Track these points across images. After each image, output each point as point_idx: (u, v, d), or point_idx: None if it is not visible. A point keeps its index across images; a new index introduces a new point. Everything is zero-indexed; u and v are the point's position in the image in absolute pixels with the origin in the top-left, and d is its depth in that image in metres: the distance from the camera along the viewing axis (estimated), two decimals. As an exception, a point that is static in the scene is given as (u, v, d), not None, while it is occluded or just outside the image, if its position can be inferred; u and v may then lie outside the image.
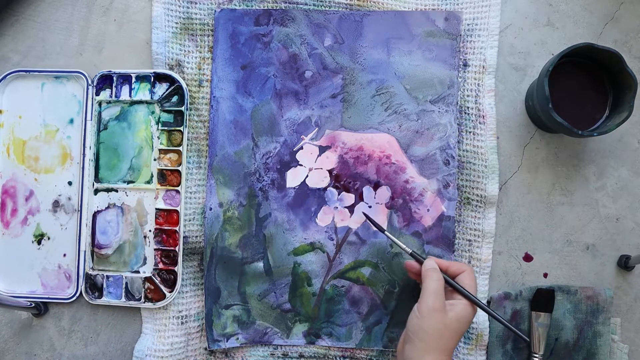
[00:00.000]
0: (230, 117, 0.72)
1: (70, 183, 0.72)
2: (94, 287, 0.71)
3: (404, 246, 0.66)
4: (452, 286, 0.63)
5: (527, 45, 0.74)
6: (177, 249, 0.70)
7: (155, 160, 0.72)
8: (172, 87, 0.72)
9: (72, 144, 0.73)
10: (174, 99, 0.73)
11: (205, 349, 0.71)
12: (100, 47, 0.75)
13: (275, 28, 0.73)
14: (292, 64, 0.73)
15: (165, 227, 0.71)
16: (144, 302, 0.70)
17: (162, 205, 0.71)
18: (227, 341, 0.70)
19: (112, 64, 0.74)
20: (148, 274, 0.71)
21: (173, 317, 0.70)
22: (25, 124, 0.73)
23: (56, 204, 0.72)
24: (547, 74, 0.63)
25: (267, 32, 0.73)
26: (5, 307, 0.67)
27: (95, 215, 0.72)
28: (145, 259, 0.71)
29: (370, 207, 0.71)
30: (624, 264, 0.70)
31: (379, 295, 0.71)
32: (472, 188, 0.71)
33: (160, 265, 0.71)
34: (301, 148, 0.72)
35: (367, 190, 0.71)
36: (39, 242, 0.72)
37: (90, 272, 0.71)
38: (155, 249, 0.71)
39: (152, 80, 0.72)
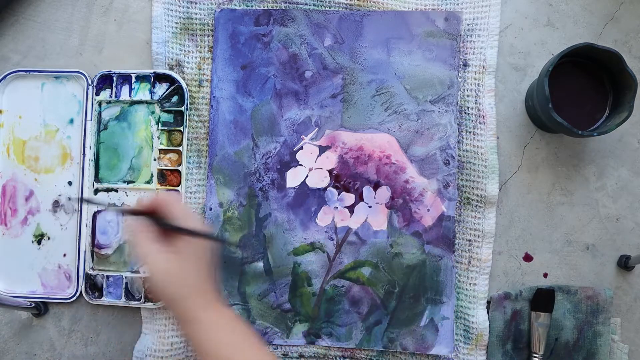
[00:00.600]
0: (230, 117, 0.72)
1: (70, 183, 0.72)
2: (94, 287, 0.71)
3: (103, 202, 0.64)
4: (165, 227, 0.56)
5: (527, 45, 0.74)
6: (177, 249, 0.70)
7: (155, 160, 0.72)
8: (172, 87, 0.72)
9: (72, 144, 0.73)
10: (174, 99, 0.73)
11: (205, 349, 0.71)
12: (100, 47, 0.75)
13: (275, 28, 0.73)
14: (292, 64, 0.73)
15: (165, 227, 0.71)
16: (144, 302, 0.70)
17: (162, 205, 0.71)
18: (227, 341, 0.70)
19: (112, 64, 0.74)
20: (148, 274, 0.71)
21: (173, 317, 0.70)
22: (25, 124, 0.73)
23: (56, 204, 0.72)
24: (547, 74, 0.63)
25: (267, 32, 0.73)
26: (5, 307, 0.67)
27: (95, 215, 0.72)
28: (145, 259, 0.71)
29: (370, 207, 0.71)
30: (624, 264, 0.70)
31: (379, 295, 0.71)
32: (472, 188, 0.71)
33: (160, 265, 0.70)
34: (301, 148, 0.72)
35: (367, 190, 0.71)
36: (39, 242, 0.72)
37: (90, 272, 0.71)
38: (155, 249, 0.71)
39: (152, 80, 0.72)
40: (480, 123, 0.71)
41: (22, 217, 0.72)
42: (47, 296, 0.71)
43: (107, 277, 0.71)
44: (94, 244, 0.72)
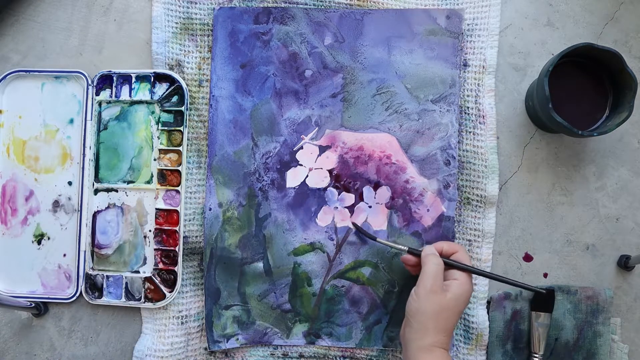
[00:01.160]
0: (229, 116, 0.72)
1: (70, 183, 0.72)
2: (94, 287, 0.71)
3: (400, 247, 0.66)
4: (451, 265, 0.63)
5: (527, 45, 0.74)
6: (177, 249, 0.70)
7: (155, 160, 0.72)
8: (172, 87, 0.72)
9: (72, 144, 0.73)
10: (174, 99, 0.73)
11: (205, 349, 0.71)
12: (100, 47, 0.74)
13: (274, 26, 0.73)
14: (292, 62, 0.73)
15: (165, 227, 0.71)
16: (144, 302, 0.70)
17: (162, 205, 0.71)
18: (227, 342, 0.70)
19: (112, 64, 0.74)
20: (148, 274, 0.71)
21: (173, 317, 0.70)
22: (25, 124, 0.73)
23: (56, 204, 0.72)
24: (547, 74, 0.63)
25: (267, 30, 0.73)
26: (5, 307, 0.67)
27: (95, 215, 0.72)
28: (145, 259, 0.71)
29: (370, 207, 0.71)
30: (624, 264, 0.70)
31: (379, 295, 0.71)
32: (472, 188, 0.71)
33: (160, 265, 0.71)
34: (301, 148, 0.72)
35: (367, 190, 0.71)
36: (39, 242, 0.72)
37: (90, 272, 0.71)
38: (155, 249, 0.71)
39: (152, 80, 0.72)
40: (480, 123, 0.71)
41: (22, 217, 0.72)
42: (47, 296, 0.71)
43: (107, 277, 0.71)
44: (94, 244, 0.72)
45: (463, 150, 0.71)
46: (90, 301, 0.71)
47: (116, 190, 0.72)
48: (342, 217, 0.71)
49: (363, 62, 0.73)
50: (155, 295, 0.70)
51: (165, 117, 0.72)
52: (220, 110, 0.72)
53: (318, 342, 0.71)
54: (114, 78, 0.72)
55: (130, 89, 0.72)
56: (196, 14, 0.73)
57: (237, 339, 0.71)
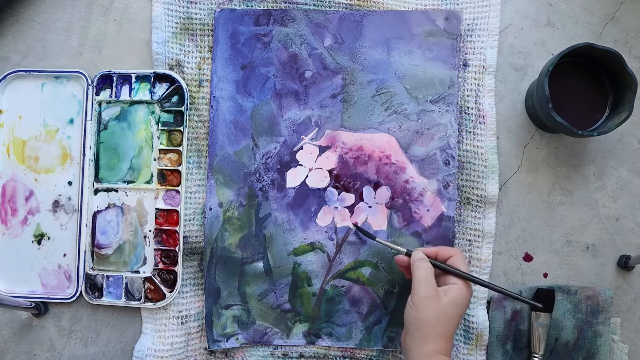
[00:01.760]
0: (230, 117, 0.72)
1: (70, 183, 0.72)
2: (94, 287, 0.71)
3: (398, 247, 0.66)
4: (444, 269, 0.63)
5: (527, 45, 0.74)
6: (177, 249, 0.70)
7: (155, 160, 0.72)
8: (172, 87, 0.72)
9: (72, 144, 0.73)
10: (174, 99, 0.73)
11: (205, 349, 0.71)
12: (100, 47, 0.75)
13: (275, 28, 0.73)
14: (292, 64, 0.73)
15: (165, 227, 0.71)
16: (144, 302, 0.70)
17: (162, 205, 0.71)
18: (227, 341, 0.70)
19: (112, 64, 0.74)
20: (148, 274, 0.71)
21: (173, 317, 0.70)
22: (25, 124, 0.73)
23: (56, 204, 0.72)
24: (547, 74, 0.63)
25: (267, 32, 0.73)
26: (5, 307, 0.67)
27: (95, 215, 0.72)
28: (145, 259, 0.71)
29: (370, 207, 0.71)
30: (624, 264, 0.70)
31: (379, 295, 0.71)
32: (472, 188, 0.71)
33: (160, 265, 0.71)
34: (301, 148, 0.72)
35: (367, 190, 0.71)
36: (39, 242, 0.72)
37: (90, 272, 0.71)
38: (155, 249, 0.71)
39: (152, 80, 0.72)
40: (480, 123, 0.71)
41: (22, 217, 0.72)
42: (47, 296, 0.71)
43: (107, 277, 0.71)
44: (94, 244, 0.72)
45: (463, 150, 0.71)
46: (90, 301, 0.71)
47: (116, 190, 0.72)
48: (342, 217, 0.71)
49: (362, 63, 0.73)
50: (155, 295, 0.70)
51: (165, 117, 0.72)
52: (220, 111, 0.72)
53: (318, 342, 0.71)
54: (114, 78, 0.72)
55: (130, 89, 0.73)
56: (196, 14, 0.73)
57: (237, 339, 0.71)
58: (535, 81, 0.69)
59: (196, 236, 0.72)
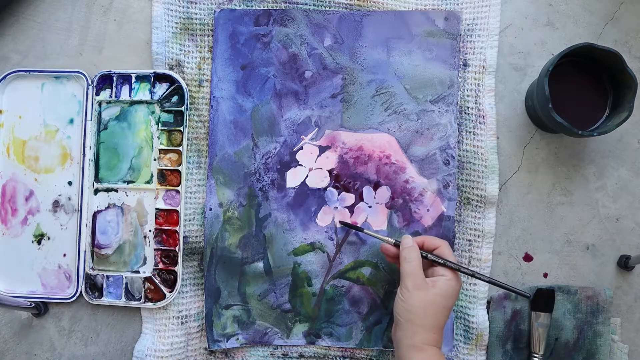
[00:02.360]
0: (230, 117, 0.72)
1: (70, 183, 0.72)
2: (94, 287, 0.71)
3: (387, 238, 0.66)
4: (433, 261, 0.63)
5: (527, 45, 0.74)
6: (177, 249, 0.70)
7: (155, 160, 0.72)
8: (172, 87, 0.72)
9: (72, 144, 0.73)
10: (174, 99, 0.73)
11: (205, 349, 0.71)
12: (100, 47, 0.75)
13: (275, 28, 0.73)
14: (292, 64, 0.73)
15: (165, 227, 0.71)
16: (144, 302, 0.70)
17: (162, 205, 0.71)
18: (227, 341, 0.70)
19: (112, 64, 0.74)
20: (148, 274, 0.71)
21: (173, 317, 0.70)
22: (25, 124, 0.73)
23: (56, 204, 0.72)
24: (547, 74, 0.63)
25: (267, 32, 0.73)
26: (5, 307, 0.67)
27: (95, 215, 0.72)
28: (145, 259, 0.71)
29: (370, 207, 0.71)
30: (624, 264, 0.70)
31: (379, 295, 0.71)
32: (472, 188, 0.71)
33: (160, 265, 0.71)
34: (301, 148, 0.72)
35: (367, 190, 0.71)
36: (39, 242, 0.72)
37: (90, 272, 0.71)
38: (155, 249, 0.71)
39: (152, 80, 0.72)
40: (480, 123, 0.71)
41: (22, 217, 0.72)
42: (47, 296, 0.71)
43: (107, 277, 0.71)
44: (94, 244, 0.72)
45: (463, 150, 0.72)
46: (90, 301, 0.71)
47: (116, 190, 0.72)
48: (342, 217, 0.71)
49: (362, 63, 0.73)
50: (155, 295, 0.70)
51: (165, 117, 0.72)
52: (220, 111, 0.72)
53: (318, 342, 0.71)
54: (114, 78, 0.72)
55: (130, 89, 0.73)
56: (196, 14, 0.73)
57: (237, 339, 0.71)
58: (535, 81, 0.69)
59: (196, 236, 0.72)
